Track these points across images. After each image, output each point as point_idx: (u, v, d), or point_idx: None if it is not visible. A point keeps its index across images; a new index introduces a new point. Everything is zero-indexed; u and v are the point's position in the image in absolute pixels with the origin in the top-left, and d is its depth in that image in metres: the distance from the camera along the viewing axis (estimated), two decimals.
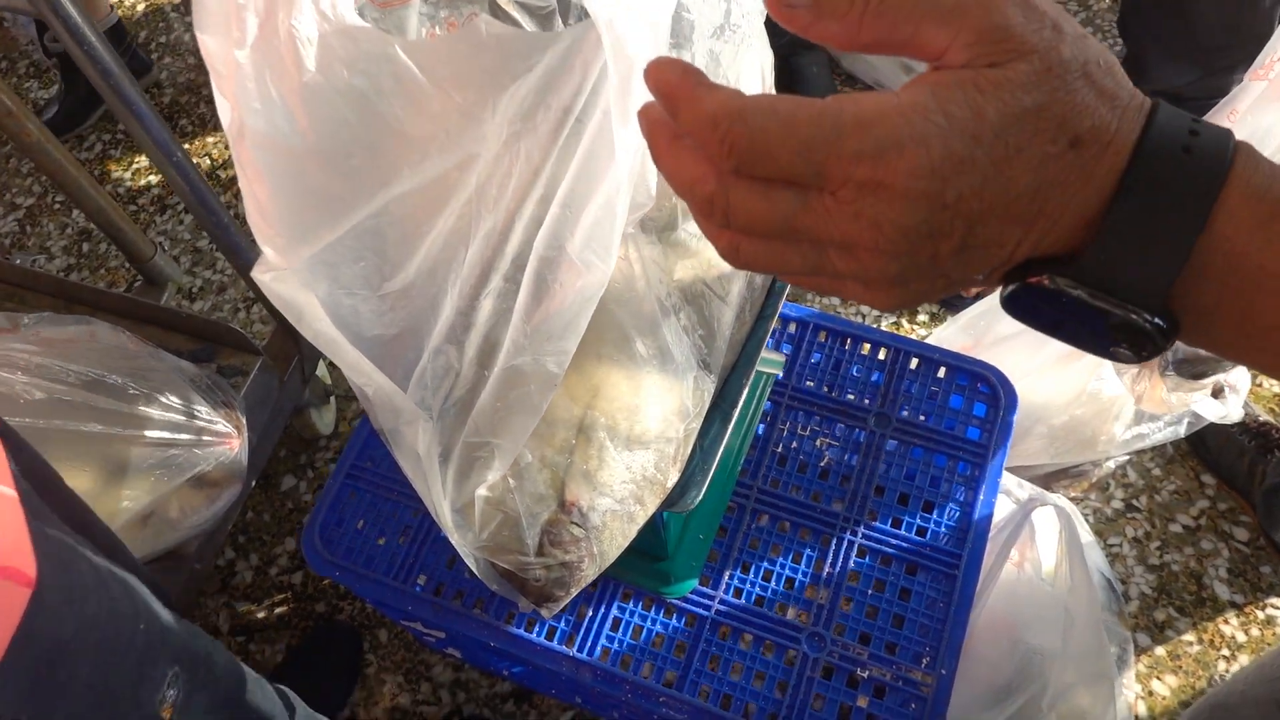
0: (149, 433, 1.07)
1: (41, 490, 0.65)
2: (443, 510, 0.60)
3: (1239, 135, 0.79)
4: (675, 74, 0.31)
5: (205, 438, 1.11)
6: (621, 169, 0.41)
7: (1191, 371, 0.93)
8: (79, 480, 1.06)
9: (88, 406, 1.07)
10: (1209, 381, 0.97)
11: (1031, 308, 0.32)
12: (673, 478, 0.64)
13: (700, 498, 0.64)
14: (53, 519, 0.62)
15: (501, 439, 0.56)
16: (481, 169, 0.44)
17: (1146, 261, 0.30)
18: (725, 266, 0.64)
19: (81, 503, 0.78)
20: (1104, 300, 0.30)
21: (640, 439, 0.63)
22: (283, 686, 0.95)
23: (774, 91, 0.69)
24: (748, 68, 0.63)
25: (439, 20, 0.58)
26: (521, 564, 0.62)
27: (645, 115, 0.33)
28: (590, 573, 0.63)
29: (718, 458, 0.66)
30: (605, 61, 0.39)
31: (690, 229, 0.61)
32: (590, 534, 0.62)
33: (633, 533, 0.64)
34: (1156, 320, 0.30)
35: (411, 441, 0.57)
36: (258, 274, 0.45)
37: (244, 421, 1.12)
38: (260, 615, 1.33)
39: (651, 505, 0.64)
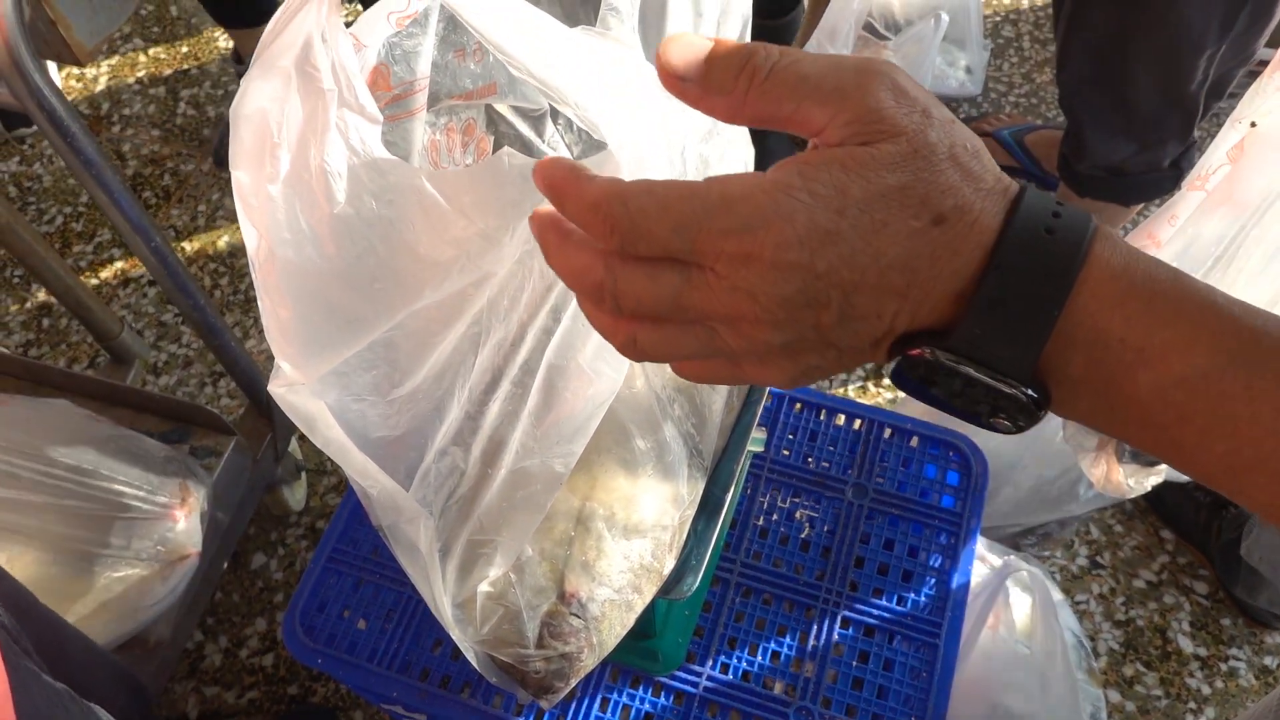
0: (83, 511, 1.01)
1: (19, 616, 0.64)
2: (443, 606, 0.60)
3: (1178, 244, 0.83)
4: (561, 170, 0.33)
5: (146, 508, 1.05)
6: None
7: (1148, 459, 0.97)
8: (22, 573, 1.01)
9: (15, 489, 1.00)
10: (1165, 465, 1.01)
11: (916, 380, 0.34)
12: (669, 565, 0.65)
13: (697, 584, 0.65)
14: (31, 660, 0.61)
15: (506, 537, 0.57)
16: (495, 284, 0.46)
17: (1013, 335, 0.31)
18: None
19: (56, 622, 0.76)
20: (977, 371, 0.32)
21: (637, 528, 0.64)
22: None
23: None
24: (733, 167, 0.66)
25: (439, 126, 0.61)
26: (521, 657, 0.62)
27: (535, 219, 0.35)
28: (590, 663, 0.64)
29: (712, 543, 0.67)
30: None
31: None
32: (589, 624, 0.63)
33: (631, 621, 0.65)
34: (1028, 391, 0.32)
35: (413, 538, 0.57)
36: (274, 387, 0.46)
37: (194, 491, 1.08)
38: (230, 700, 1.30)
39: (649, 593, 0.65)
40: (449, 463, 0.54)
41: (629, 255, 0.33)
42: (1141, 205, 1.55)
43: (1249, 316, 0.31)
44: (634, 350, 0.35)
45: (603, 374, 0.47)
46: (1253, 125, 0.63)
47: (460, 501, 0.57)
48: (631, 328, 0.34)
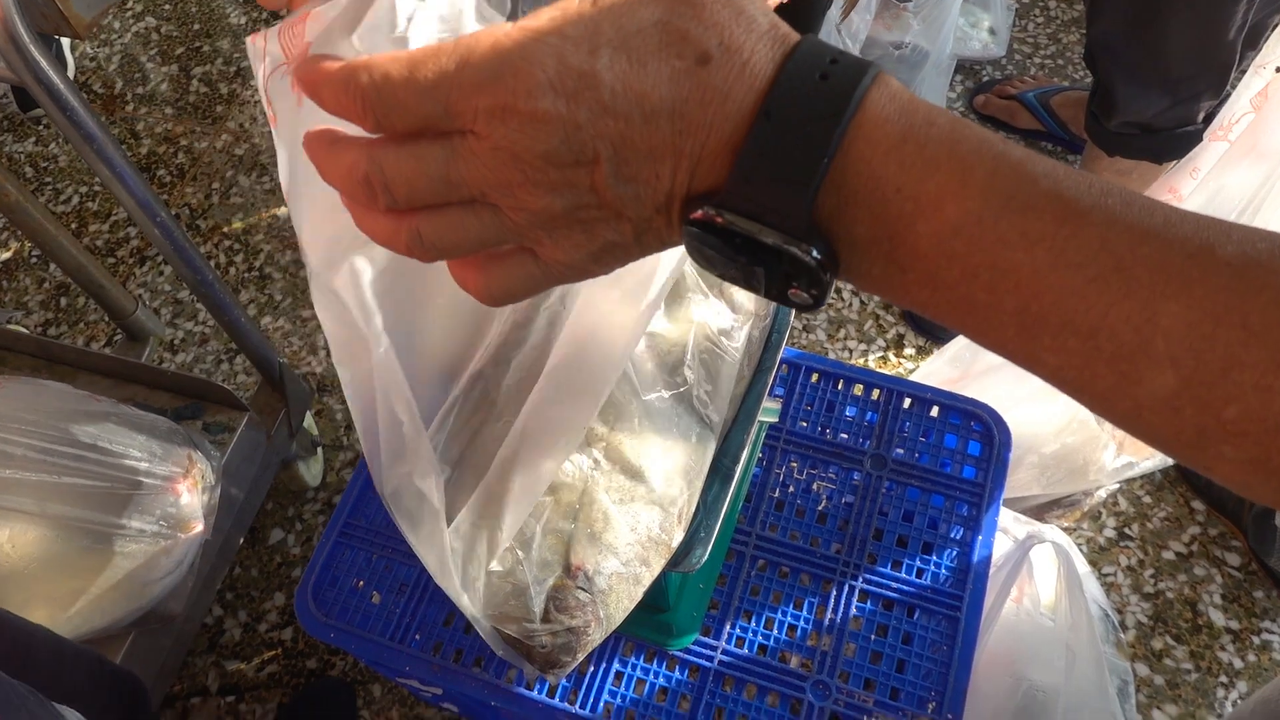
0: (86, 488, 1.00)
1: None
2: (451, 580, 0.59)
3: (1201, 197, 0.79)
4: (311, 62, 0.32)
5: (148, 483, 1.04)
6: None
7: None
8: (22, 560, 1.00)
9: (15, 467, 0.98)
10: None
11: (705, 249, 0.32)
12: (677, 537, 0.63)
13: (706, 556, 0.64)
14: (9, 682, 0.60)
15: (511, 507, 0.55)
16: None
17: (782, 182, 0.29)
18: (725, 323, 0.64)
19: (21, 628, 0.75)
20: (751, 226, 0.30)
21: (645, 499, 0.62)
22: None
23: None
24: None
25: None
26: (528, 631, 0.61)
27: (305, 140, 0.33)
28: (596, 637, 0.63)
29: (721, 515, 0.65)
30: None
31: (693, 295, 0.62)
32: (596, 598, 0.62)
33: (639, 595, 0.63)
34: (811, 250, 0.30)
35: (424, 492, 0.56)
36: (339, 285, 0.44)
37: (198, 464, 1.07)
38: (250, 674, 1.30)
39: (657, 566, 0.63)
40: (481, 390, 0.52)
41: (391, 138, 0.31)
42: (1174, 163, 1.50)
43: (1029, 161, 0.29)
44: (422, 248, 0.32)
45: (621, 324, 0.45)
46: (1278, 70, 0.59)
47: (476, 451, 0.56)
48: (413, 222, 0.32)
